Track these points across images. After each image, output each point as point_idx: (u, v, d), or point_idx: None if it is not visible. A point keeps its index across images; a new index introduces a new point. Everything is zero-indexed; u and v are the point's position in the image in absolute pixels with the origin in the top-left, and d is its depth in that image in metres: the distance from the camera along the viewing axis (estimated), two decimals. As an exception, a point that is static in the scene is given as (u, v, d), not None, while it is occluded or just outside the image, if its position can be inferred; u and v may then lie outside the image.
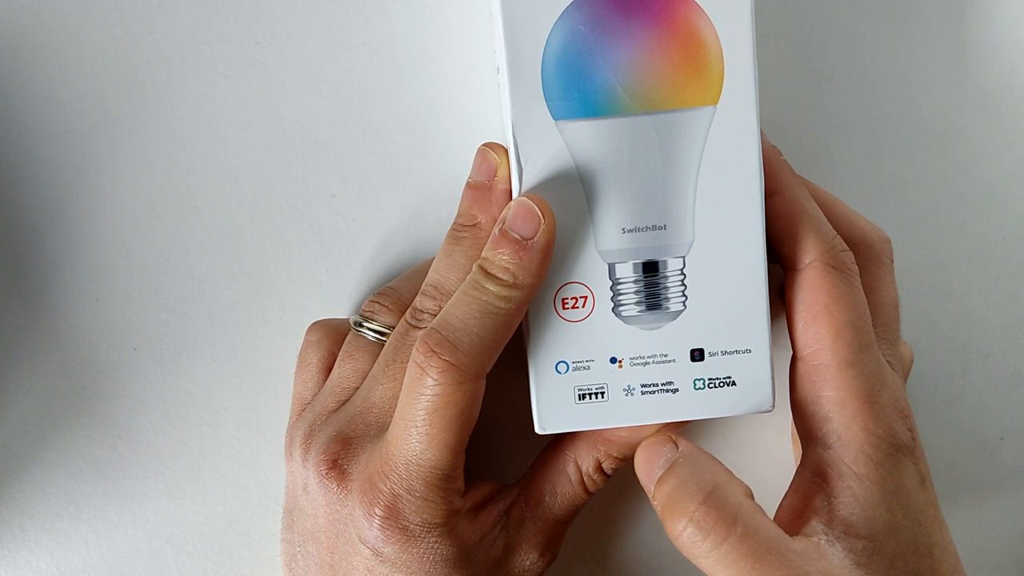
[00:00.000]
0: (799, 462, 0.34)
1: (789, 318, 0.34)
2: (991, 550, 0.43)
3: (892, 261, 0.36)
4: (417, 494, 0.33)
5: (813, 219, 0.34)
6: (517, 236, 0.33)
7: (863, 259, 0.35)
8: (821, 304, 0.33)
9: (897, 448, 0.32)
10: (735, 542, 0.30)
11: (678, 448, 0.33)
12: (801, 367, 0.34)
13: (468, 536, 0.34)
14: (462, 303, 0.33)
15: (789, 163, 0.35)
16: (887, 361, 0.34)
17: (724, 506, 0.31)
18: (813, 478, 0.33)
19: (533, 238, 0.32)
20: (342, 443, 0.35)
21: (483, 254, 0.33)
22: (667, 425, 0.35)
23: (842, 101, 0.41)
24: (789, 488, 0.34)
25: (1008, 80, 0.41)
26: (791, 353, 0.34)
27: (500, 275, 0.33)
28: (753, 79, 0.33)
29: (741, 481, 0.32)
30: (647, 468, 0.33)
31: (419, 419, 0.32)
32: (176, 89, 0.39)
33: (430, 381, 0.32)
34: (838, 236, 0.34)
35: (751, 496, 0.32)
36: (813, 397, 0.33)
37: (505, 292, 0.32)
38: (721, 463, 0.33)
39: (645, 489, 0.33)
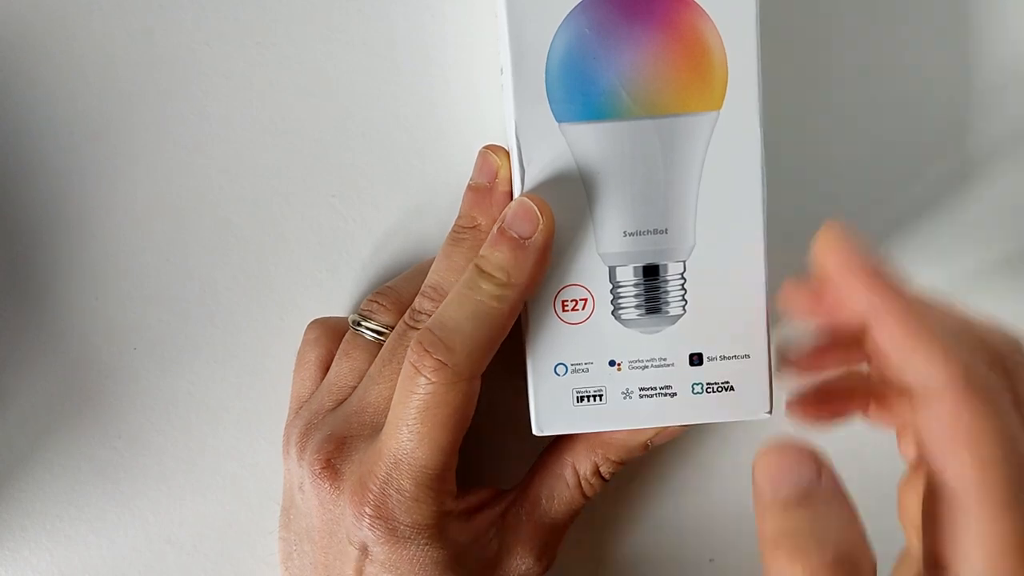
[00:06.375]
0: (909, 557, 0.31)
1: (920, 446, 0.29)
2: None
3: None
4: (407, 494, 0.33)
5: (941, 335, 0.28)
6: (515, 235, 0.33)
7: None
8: (962, 435, 0.28)
9: None
10: None
11: (821, 479, 0.28)
12: (935, 505, 0.29)
13: (460, 539, 0.34)
14: (456, 303, 0.33)
15: (894, 273, 0.30)
16: None
17: (854, 573, 0.27)
18: None
19: (531, 237, 0.32)
20: (336, 443, 0.35)
21: (480, 252, 0.33)
22: (666, 429, 0.35)
23: (843, 101, 0.41)
24: None
25: (1011, 78, 0.41)
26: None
27: (495, 273, 0.33)
28: (757, 85, 0.32)
29: (872, 551, 0.28)
30: (775, 478, 0.28)
31: (411, 418, 0.32)
32: (176, 89, 0.39)
33: (423, 380, 0.32)
34: (978, 352, 0.29)
35: (875, 571, 0.28)
36: (945, 523, 0.28)
37: (499, 292, 0.32)
38: (859, 519, 0.28)
39: (755, 490, 0.28)
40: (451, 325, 0.32)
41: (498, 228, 0.33)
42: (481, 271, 0.33)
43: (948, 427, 0.28)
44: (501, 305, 0.32)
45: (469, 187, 0.36)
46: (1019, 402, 0.29)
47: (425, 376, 0.32)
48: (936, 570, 0.29)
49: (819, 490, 0.28)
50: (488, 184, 0.35)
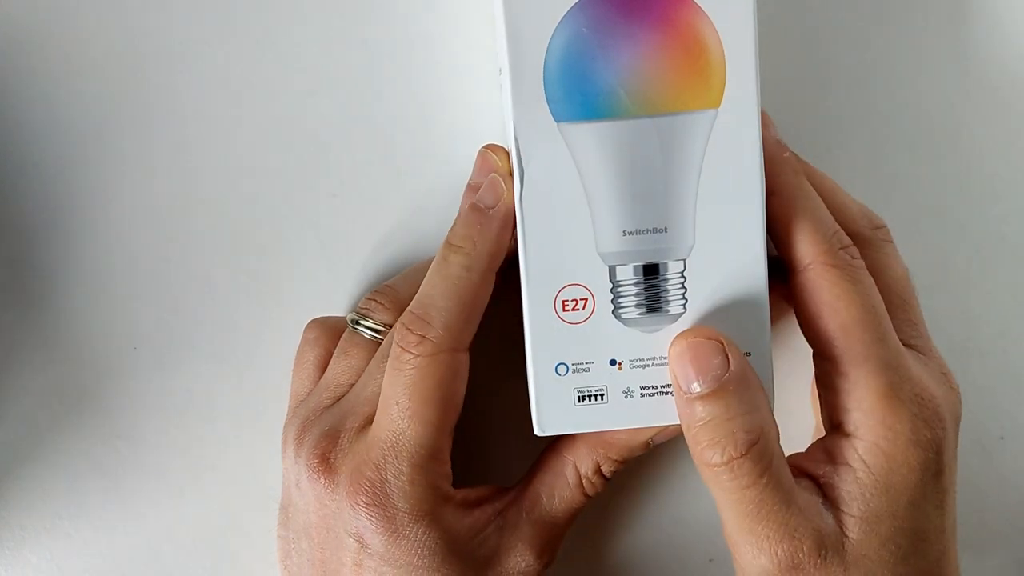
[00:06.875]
0: (819, 435, 0.35)
1: (798, 321, 0.34)
2: (991, 550, 0.43)
3: (891, 241, 0.36)
4: (404, 476, 0.33)
5: (811, 219, 0.34)
6: (482, 206, 0.34)
7: (859, 248, 0.35)
8: (824, 304, 0.33)
9: (915, 443, 0.32)
10: (758, 490, 0.31)
11: (729, 365, 0.32)
12: (817, 363, 0.34)
13: (458, 531, 0.34)
14: (430, 279, 0.34)
15: (795, 155, 0.35)
16: (912, 343, 0.35)
17: (761, 457, 0.32)
18: (826, 455, 0.34)
19: (494, 207, 0.34)
20: (331, 438, 0.35)
21: (451, 229, 0.35)
22: (668, 427, 0.35)
23: (842, 101, 0.41)
24: (807, 451, 0.35)
25: (1009, 78, 0.41)
26: (793, 354, 0.34)
27: (461, 244, 0.34)
28: (755, 83, 0.32)
29: (775, 423, 0.33)
30: (686, 372, 0.32)
31: (400, 395, 0.33)
32: (176, 89, 0.39)
33: (408, 357, 0.33)
34: (839, 232, 0.34)
35: (779, 439, 0.33)
36: (832, 391, 0.33)
37: (466, 261, 0.34)
38: (764, 394, 0.33)
39: (676, 387, 0.33)
40: (427, 301, 0.34)
41: (468, 204, 0.35)
42: (450, 245, 0.34)
43: (811, 297, 0.33)
44: (471, 274, 0.34)
45: (469, 186, 0.36)
46: (875, 270, 0.34)
47: (410, 352, 0.33)
48: (832, 431, 0.34)
49: (729, 379, 0.32)
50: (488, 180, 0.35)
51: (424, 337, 0.33)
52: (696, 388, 0.32)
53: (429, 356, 0.33)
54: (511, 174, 0.33)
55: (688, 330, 0.33)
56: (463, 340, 0.34)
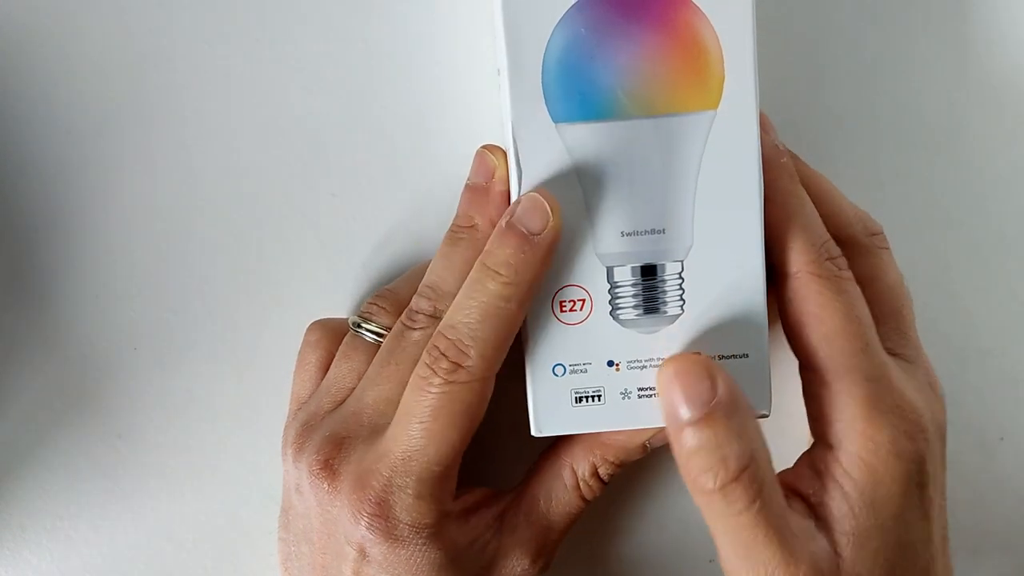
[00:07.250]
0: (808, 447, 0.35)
1: (784, 330, 0.34)
2: (989, 551, 0.43)
3: (886, 248, 0.36)
4: (411, 492, 0.33)
5: (801, 227, 0.33)
6: (523, 230, 0.32)
7: (853, 254, 0.35)
8: (809, 313, 0.33)
9: (896, 455, 0.32)
10: (752, 515, 0.31)
11: (716, 392, 0.31)
12: (802, 373, 0.34)
13: (457, 540, 0.34)
14: (465, 301, 0.33)
15: (794, 160, 0.35)
16: (899, 353, 0.35)
17: (753, 481, 0.31)
18: (812, 470, 0.33)
19: (540, 233, 0.32)
20: (334, 444, 0.35)
21: (486, 249, 0.33)
22: (665, 430, 0.35)
23: (842, 100, 0.41)
24: (794, 466, 0.35)
25: (1008, 78, 0.41)
26: (793, 357, 0.34)
27: (500, 271, 0.32)
28: (753, 83, 0.32)
29: (766, 446, 0.32)
30: (675, 399, 0.32)
31: (424, 416, 0.33)
32: (176, 88, 0.39)
33: (438, 381, 0.32)
34: (829, 241, 0.34)
35: (771, 463, 0.32)
36: (816, 402, 0.34)
37: (506, 291, 0.32)
38: (754, 417, 0.32)
39: (666, 416, 0.32)
40: (462, 328, 0.33)
41: (505, 223, 0.33)
42: (487, 269, 0.33)
43: (796, 307, 0.33)
44: (509, 304, 0.32)
45: (467, 186, 0.36)
46: (868, 277, 0.35)
47: (441, 377, 0.32)
48: (816, 444, 0.34)
49: (716, 405, 0.31)
50: (485, 184, 0.35)
51: (459, 365, 0.32)
52: (685, 415, 0.31)
53: (461, 385, 0.32)
54: (507, 176, 0.33)
55: (675, 356, 0.33)
56: (495, 368, 0.33)
